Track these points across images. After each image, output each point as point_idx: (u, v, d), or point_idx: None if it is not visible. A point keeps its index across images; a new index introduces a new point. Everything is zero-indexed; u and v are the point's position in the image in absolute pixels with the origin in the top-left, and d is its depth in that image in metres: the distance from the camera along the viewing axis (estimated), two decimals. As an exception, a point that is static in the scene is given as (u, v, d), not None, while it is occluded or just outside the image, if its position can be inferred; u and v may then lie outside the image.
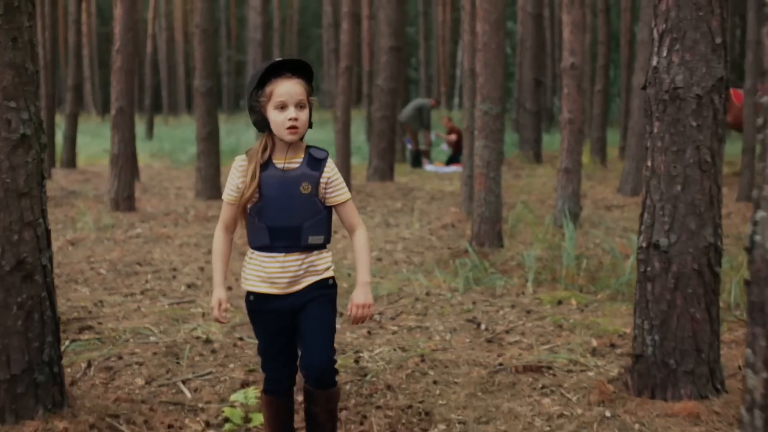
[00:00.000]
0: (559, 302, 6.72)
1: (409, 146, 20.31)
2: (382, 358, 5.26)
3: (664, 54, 4.03)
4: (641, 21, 13.56)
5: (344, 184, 3.50)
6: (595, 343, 5.54)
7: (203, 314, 6.46)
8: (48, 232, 3.95)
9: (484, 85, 8.47)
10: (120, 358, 5.27)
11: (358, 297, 3.43)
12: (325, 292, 3.48)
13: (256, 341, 3.68)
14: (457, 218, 11.25)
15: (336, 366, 3.48)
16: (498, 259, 8.18)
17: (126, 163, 11.71)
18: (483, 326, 6.09)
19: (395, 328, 6.11)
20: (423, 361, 5.16)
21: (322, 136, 27.78)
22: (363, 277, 3.47)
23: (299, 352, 3.53)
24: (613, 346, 5.43)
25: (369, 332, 5.94)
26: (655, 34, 4.09)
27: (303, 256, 3.42)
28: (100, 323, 6.11)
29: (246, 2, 43.75)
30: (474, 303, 6.78)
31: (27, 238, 3.80)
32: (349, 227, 3.54)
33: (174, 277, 7.94)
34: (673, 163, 4.02)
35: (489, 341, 5.71)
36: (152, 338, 5.76)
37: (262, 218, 3.39)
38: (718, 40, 3.96)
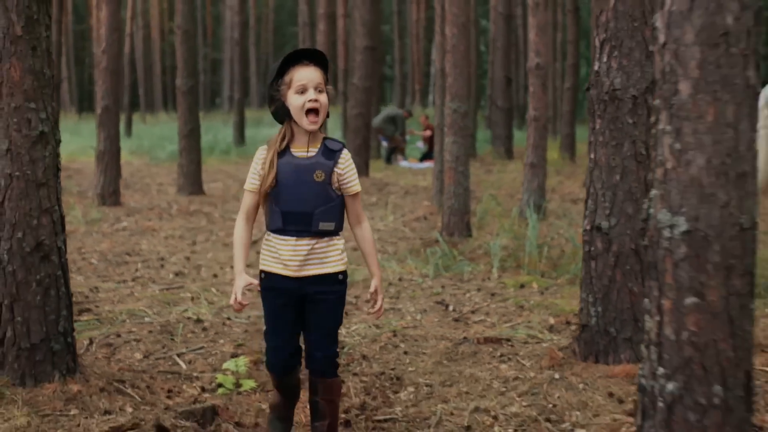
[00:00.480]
0: (522, 286, 7.28)
1: (384, 143, 20.83)
2: (358, 334, 5.80)
3: (605, 60, 4.60)
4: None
5: (357, 176, 3.70)
6: (552, 321, 6.10)
7: (192, 298, 6.97)
8: (62, 218, 4.46)
9: (452, 84, 9.02)
10: (118, 336, 5.77)
11: (380, 289, 3.74)
12: (336, 288, 3.63)
13: (253, 312, 4.10)
14: (429, 211, 11.79)
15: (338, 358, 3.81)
16: (466, 248, 8.73)
17: (111, 160, 12.20)
18: (451, 307, 6.63)
19: (358, 306, 6.66)
20: (395, 335, 5.71)
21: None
22: (377, 269, 3.75)
23: (302, 344, 3.77)
24: (568, 323, 5.98)
25: (346, 312, 6.48)
26: (597, 42, 4.66)
27: (314, 241, 3.56)
28: (97, 306, 6.61)
29: (222, 0, 44.16)
30: (443, 287, 7.32)
31: (45, 223, 4.32)
32: (354, 219, 3.72)
33: (162, 266, 8.43)
34: (612, 156, 4.59)
35: (456, 320, 6.25)
36: (147, 319, 6.26)
37: (278, 203, 3.58)
38: (651, 48, 4.53)
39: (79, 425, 3.97)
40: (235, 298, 3.59)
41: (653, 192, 2.63)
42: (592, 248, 4.70)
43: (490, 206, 11.20)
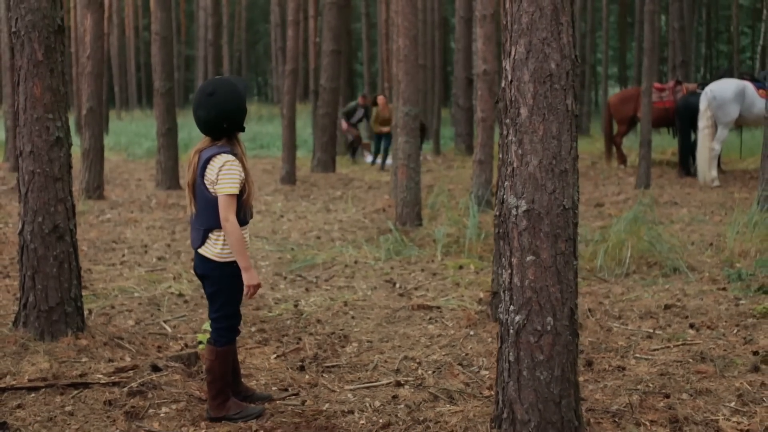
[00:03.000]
0: (461, 267, 8.41)
1: (349, 137, 21.73)
2: (315, 304, 6.92)
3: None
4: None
5: None
6: (481, 294, 7.23)
7: (174, 277, 8.04)
8: (74, 206, 5.55)
9: (404, 90, 10.15)
10: (113, 307, 6.86)
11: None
12: None
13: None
14: (388, 204, 12.91)
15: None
16: (417, 236, 9.86)
17: (96, 157, 13.24)
18: (397, 285, 7.75)
19: (327, 287, 7.76)
20: (346, 305, 6.84)
21: (271, 129, 29.35)
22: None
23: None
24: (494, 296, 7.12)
25: (306, 289, 7.59)
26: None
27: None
28: (92, 284, 7.67)
29: (195, -1, 45.11)
30: (392, 268, 8.44)
31: (60, 210, 5.41)
32: None
33: (146, 251, 9.50)
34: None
35: (401, 295, 7.37)
36: (136, 294, 7.34)
37: (247, 200, 4.37)
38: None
39: (90, 368, 5.07)
40: (258, 280, 4.33)
41: (504, 183, 3.76)
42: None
43: (439, 199, 12.30)
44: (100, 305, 6.89)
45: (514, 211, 3.72)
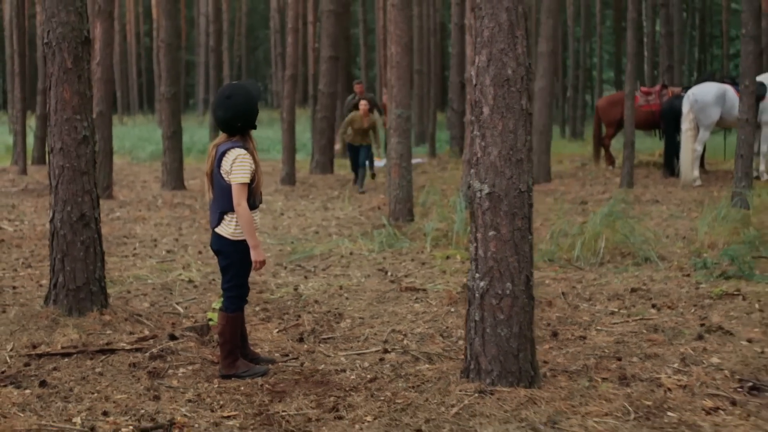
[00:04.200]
0: (448, 257, 9.10)
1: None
2: (313, 288, 7.62)
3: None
4: (540, 35, 16.01)
5: None
6: (465, 280, 7.92)
7: (183, 267, 8.74)
8: (98, 197, 6.25)
9: (396, 94, 10.85)
10: (129, 292, 7.55)
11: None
12: None
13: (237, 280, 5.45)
14: (383, 202, 13.61)
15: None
16: (409, 230, 10.56)
17: (105, 158, 13.95)
18: (389, 273, 8.44)
19: (325, 275, 8.45)
20: (341, 288, 7.54)
21: (270, 133, 30.02)
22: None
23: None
24: (476, 281, 7.82)
25: (305, 276, 8.28)
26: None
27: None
28: (108, 273, 8.31)
29: (195, 4, 45.75)
30: (384, 258, 9.14)
31: (86, 201, 6.11)
32: None
33: (155, 245, 10.20)
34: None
35: (391, 281, 8.05)
36: (149, 281, 8.04)
37: (256, 188, 5.12)
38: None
39: (114, 338, 5.77)
40: (263, 257, 5.09)
41: (471, 171, 4.46)
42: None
43: (431, 197, 12.99)
44: (117, 290, 7.58)
45: (478, 194, 4.43)
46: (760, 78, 16.07)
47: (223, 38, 42.78)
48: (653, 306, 6.86)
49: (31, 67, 19.70)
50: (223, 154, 5.02)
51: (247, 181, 5.02)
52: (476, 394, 4.46)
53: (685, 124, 15.87)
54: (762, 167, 15.89)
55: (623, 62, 45.96)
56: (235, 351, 5.15)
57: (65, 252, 6.09)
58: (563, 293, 7.33)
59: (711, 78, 17.83)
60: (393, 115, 11.03)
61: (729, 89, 16.07)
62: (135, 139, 29.69)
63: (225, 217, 5.09)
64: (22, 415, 4.47)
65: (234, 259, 5.15)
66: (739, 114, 12.35)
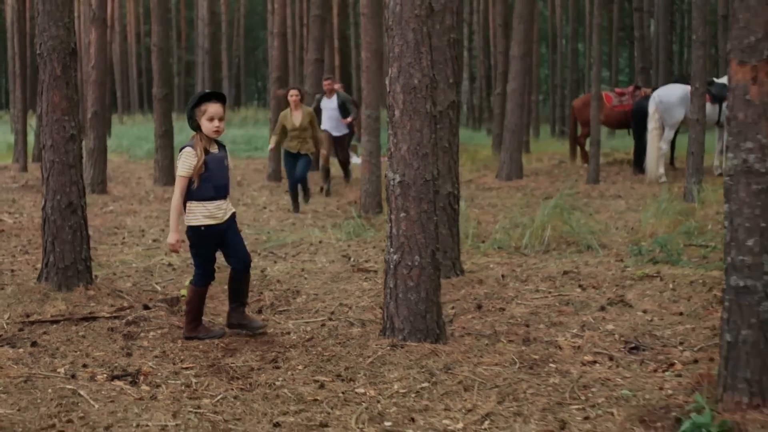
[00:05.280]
0: (407, 245, 10.00)
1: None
2: (278, 271, 8.53)
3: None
4: (513, 39, 16.91)
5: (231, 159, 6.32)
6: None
7: (165, 253, 9.65)
8: (84, 187, 7.17)
9: (366, 96, 11.78)
10: (114, 274, 8.46)
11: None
12: (235, 219, 6.26)
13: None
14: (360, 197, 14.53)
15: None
16: (377, 221, 11.47)
17: (100, 156, 14.89)
18: (351, 259, 9.34)
19: (293, 260, 9.36)
20: (303, 271, 8.45)
21: (266, 132, 30.90)
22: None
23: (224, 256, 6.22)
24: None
25: (274, 261, 9.20)
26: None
27: (227, 200, 6.13)
28: (97, 258, 9.27)
29: (195, 4, 46.71)
30: (349, 246, 10.05)
31: (73, 191, 7.03)
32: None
33: (143, 235, 11.12)
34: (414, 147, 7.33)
35: (352, 266, 8.96)
36: (134, 265, 8.95)
37: (209, 181, 5.91)
38: (451, 80, 7.28)
39: (97, 309, 6.69)
40: (176, 242, 5.88)
41: (387, 163, 5.38)
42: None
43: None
44: (104, 272, 8.49)
45: (392, 182, 5.35)
46: (722, 80, 16.99)
47: (222, 38, 43.77)
48: (579, 286, 7.73)
49: (32, 68, 20.60)
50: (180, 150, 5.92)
51: (184, 174, 5.83)
52: (389, 348, 5.39)
53: (651, 124, 16.73)
54: (725, 164, 16.74)
55: (619, 63, 46.93)
56: (197, 318, 6.05)
57: (55, 235, 7.01)
58: (503, 275, 8.21)
59: (682, 80, 18.71)
60: (364, 114, 11.94)
61: (693, 91, 16.94)
62: (133, 138, 30.59)
63: (186, 206, 5.95)
64: (15, 366, 5.38)
65: (192, 243, 6.00)
66: (690, 114, 13.26)
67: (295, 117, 12.97)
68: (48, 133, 6.93)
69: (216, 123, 5.85)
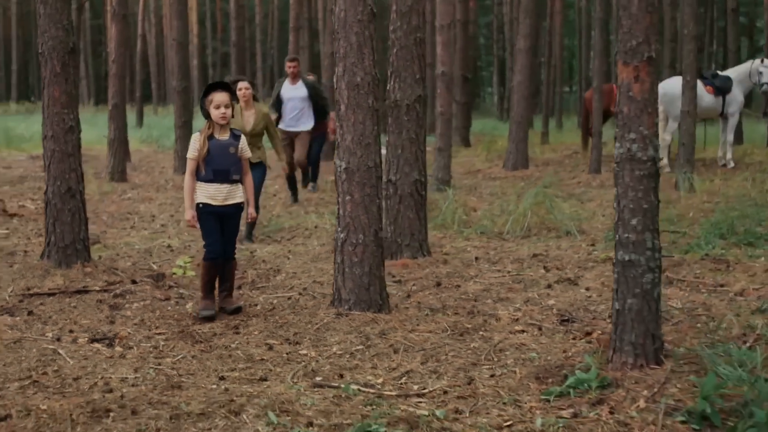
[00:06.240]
0: (396, 230, 10.62)
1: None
2: (267, 252, 9.21)
3: (391, 83, 7.96)
4: (518, 33, 17.45)
5: (248, 149, 6.88)
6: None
7: (168, 236, 10.37)
8: (82, 174, 7.89)
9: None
10: (117, 254, 9.19)
11: (253, 212, 7.02)
12: (240, 213, 6.81)
13: (201, 242, 6.95)
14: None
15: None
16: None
17: (120, 146, 15.68)
18: (340, 242, 9.99)
19: (286, 244, 10.04)
20: (290, 252, 9.12)
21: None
22: (252, 200, 6.91)
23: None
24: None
25: (268, 244, 9.88)
26: (388, 73, 8.02)
27: (228, 185, 6.66)
28: (105, 241, 10.02)
29: None
30: (341, 231, 10.69)
31: (72, 177, 7.75)
32: (245, 172, 6.85)
33: (153, 220, 11.86)
34: (396, 139, 7.97)
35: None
36: (136, 246, 9.67)
37: (210, 165, 6.54)
38: (418, 76, 7.89)
39: (90, 284, 7.42)
40: (191, 217, 6.57)
41: (336, 152, 6.02)
42: (387, 192, 8.09)
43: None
44: (108, 253, 9.21)
45: (339, 169, 6.01)
46: (725, 72, 17.41)
47: (256, 31, 44.53)
48: (544, 267, 8.31)
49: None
50: None
51: (189, 156, 6.55)
52: (334, 316, 6.06)
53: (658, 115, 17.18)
54: (728, 155, 17.18)
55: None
56: (206, 290, 6.61)
57: (56, 218, 7.74)
58: (476, 257, 8.81)
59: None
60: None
61: (698, 83, 17.36)
62: (164, 128, 31.38)
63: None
64: (10, 331, 6.11)
65: (200, 220, 6.58)
66: (681, 106, 13.74)
67: (246, 118, 9.73)
68: (49, 124, 7.66)
69: (222, 110, 6.45)
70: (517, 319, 6.37)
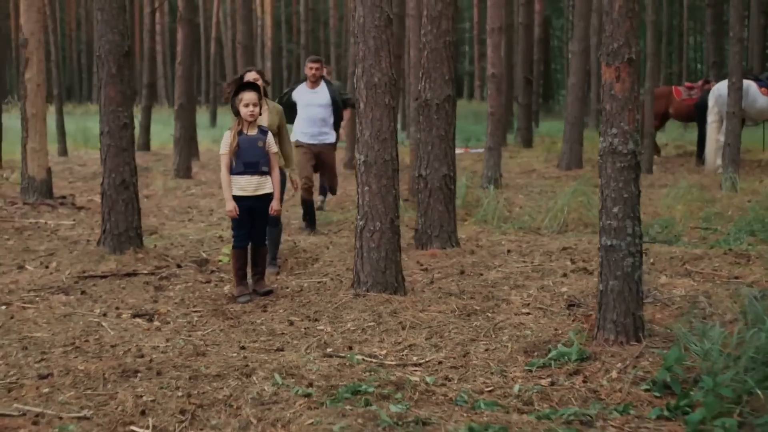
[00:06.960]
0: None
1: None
2: (309, 242, 9.78)
3: (422, 83, 8.46)
4: (574, 37, 17.79)
5: (275, 144, 7.46)
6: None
7: (222, 228, 11.01)
8: (136, 167, 8.56)
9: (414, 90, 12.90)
10: (172, 244, 9.84)
11: (277, 205, 7.55)
12: (269, 203, 7.33)
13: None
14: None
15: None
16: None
17: (185, 144, 16.43)
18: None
19: (332, 236, 10.59)
20: (331, 242, 9.68)
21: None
22: (278, 194, 7.38)
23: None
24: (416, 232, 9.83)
25: (312, 235, 10.44)
26: (420, 74, 8.52)
27: (258, 177, 7.27)
28: (162, 231, 10.71)
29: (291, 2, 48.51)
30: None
31: (126, 170, 8.42)
32: (272, 166, 7.43)
33: (210, 214, 12.53)
34: (427, 136, 8.47)
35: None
36: (190, 237, 10.32)
37: (240, 158, 7.14)
38: (447, 77, 8.38)
39: (140, 268, 8.07)
40: (233, 208, 7.10)
41: (356, 146, 6.55)
42: (417, 186, 8.59)
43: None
44: (163, 243, 9.88)
45: (359, 162, 6.54)
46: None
47: (330, 34, 45.38)
48: (570, 260, 8.73)
49: (133, 64, 22.41)
50: None
51: (222, 152, 7.10)
52: (352, 297, 6.60)
53: (711, 117, 17.33)
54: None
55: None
56: (239, 277, 7.18)
57: (111, 207, 8.42)
58: (508, 250, 9.26)
59: (745, 75, 19.19)
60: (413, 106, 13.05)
61: (752, 85, 17.46)
62: (236, 129, 32.24)
63: None
64: (63, 308, 6.77)
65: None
66: (727, 107, 13.96)
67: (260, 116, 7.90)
68: (105, 121, 8.34)
69: (251, 108, 7.01)
70: (528, 304, 6.80)
